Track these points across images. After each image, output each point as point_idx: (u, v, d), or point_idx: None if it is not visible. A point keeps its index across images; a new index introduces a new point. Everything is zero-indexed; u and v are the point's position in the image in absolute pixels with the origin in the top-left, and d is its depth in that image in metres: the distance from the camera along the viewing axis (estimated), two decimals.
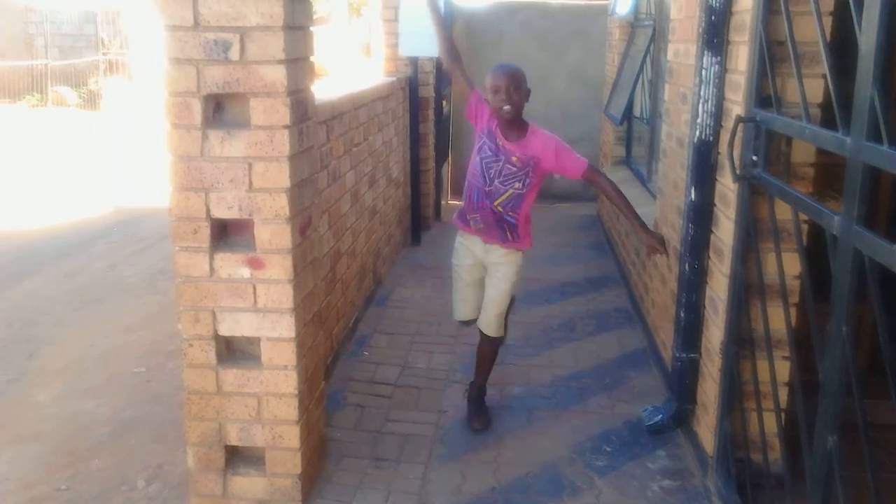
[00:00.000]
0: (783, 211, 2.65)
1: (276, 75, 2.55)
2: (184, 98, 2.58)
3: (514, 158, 3.38)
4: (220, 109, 2.64)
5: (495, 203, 3.42)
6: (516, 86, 3.33)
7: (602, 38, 8.33)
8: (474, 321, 3.70)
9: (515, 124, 3.39)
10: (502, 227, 3.46)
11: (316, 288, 3.08)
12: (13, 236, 7.22)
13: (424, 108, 6.99)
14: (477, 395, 3.75)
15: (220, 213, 2.67)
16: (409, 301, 5.35)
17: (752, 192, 2.81)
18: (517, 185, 3.40)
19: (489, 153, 3.43)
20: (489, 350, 3.72)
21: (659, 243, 3.28)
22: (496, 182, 3.41)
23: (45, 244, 6.96)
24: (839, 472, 2.04)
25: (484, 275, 3.62)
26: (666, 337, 4.00)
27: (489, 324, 3.63)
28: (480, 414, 3.69)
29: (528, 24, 9.01)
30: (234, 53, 2.53)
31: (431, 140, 7.25)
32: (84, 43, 18.28)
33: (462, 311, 3.72)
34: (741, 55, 2.89)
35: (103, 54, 18.14)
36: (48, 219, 7.96)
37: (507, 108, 3.31)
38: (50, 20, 17.92)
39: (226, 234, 2.76)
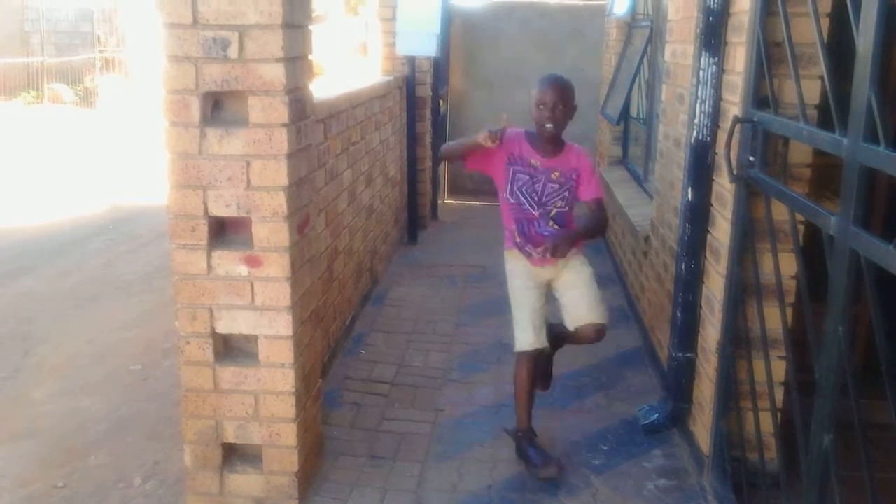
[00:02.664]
0: (780, 211, 2.66)
1: (275, 73, 2.55)
2: (182, 96, 2.58)
3: (554, 175, 3.24)
4: (218, 107, 2.64)
5: (550, 224, 3.26)
6: (564, 102, 3.15)
7: (599, 38, 8.35)
8: (541, 351, 3.33)
9: (553, 141, 3.25)
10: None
11: (313, 286, 3.08)
12: (9, 233, 7.20)
13: (421, 108, 7.00)
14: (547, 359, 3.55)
15: (218, 210, 2.67)
16: (405, 300, 5.35)
17: (749, 192, 2.81)
18: (559, 202, 3.27)
19: (525, 178, 3.25)
20: (596, 335, 3.40)
21: (551, 247, 3.07)
22: (543, 202, 3.26)
23: (41, 241, 6.95)
24: (835, 471, 2.04)
25: (547, 298, 3.38)
26: (662, 336, 4.01)
27: (591, 306, 3.33)
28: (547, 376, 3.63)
29: (525, 23, 9.02)
30: (233, 51, 2.53)
31: (428, 139, 7.26)
32: (80, 40, 18.24)
33: (534, 337, 3.26)
34: (738, 56, 2.90)
35: (99, 52, 18.10)
36: (44, 216, 7.94)
37: (549, 126, 3.16)
38: (46, 17, 17.89)
39: (223, 231, 2.76)
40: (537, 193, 3.26)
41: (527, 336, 3.27)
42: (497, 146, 3.11)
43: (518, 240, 3.32)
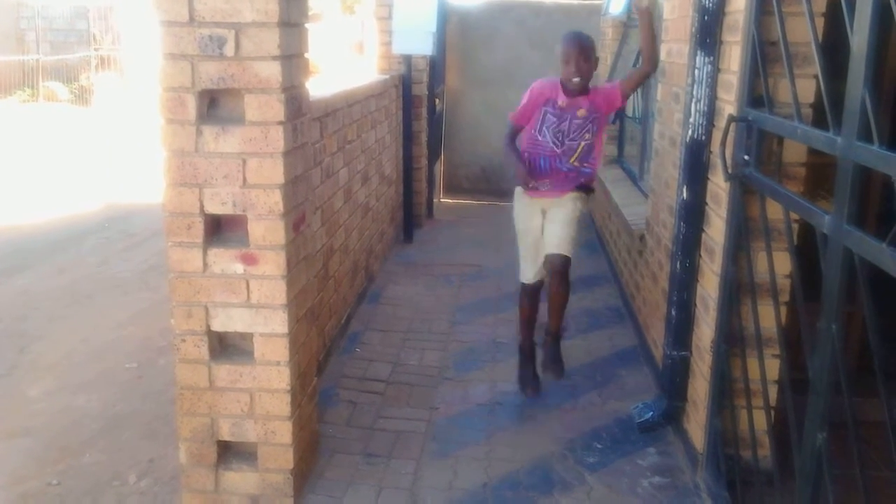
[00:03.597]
0: (774, 210, 2.67)
1: (271, 71, 2.55)
2: (178, 93, 2.58)
3: (580, 112, 3.60)
4: (214, 105, 2.64)
5: (571, 160, 3.66)
6: (586, 56, 3.53)
7: (596, 37, 8.32)
8: (541, 283, 3.82)
9: (581, 90, 3.60)
10: (577, 179, 3.70)
11: (309, 284, 3.08)
12: (4, 232, 7.19)
13: (417, 106, 7.00)
14: (553, 342, 3.84)
15: (214, 208, 2.67)
16: (401, 298, 5.36)
17: (744, 191, 2.82)
18: (587, 135, 3.64)
19: (553, 119, 3.63)
20: (560, 285, 3.69)
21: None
22: (567, 142, 3.63)
23: (36, 240, 6.93)
24: (828, 469, 2.05)
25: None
26: (657, 335, 4.02)
27: (560, 242, 3.64)
28: (556, 362, 3.81)
29: (521, 22, 9.02)
30: (229, 49, 2.54)
31: (424, 138, 7.26)
32: (76, 38, 18.16)
33: (531, 272, 3.80)
34: (734, 55, 2.91)
35: (95, 50, 18.04)
36: (39, 214, 7.92)
37: (576, 79, 3.53)
38: (41, 15, 17.80)
39: (219, 229, 2.76)
40: (563, 133, 3.64)
41: (527, 270, 3.84)
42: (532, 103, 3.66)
43: (533, 171, 3.67)
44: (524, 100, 3.72)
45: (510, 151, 3.74)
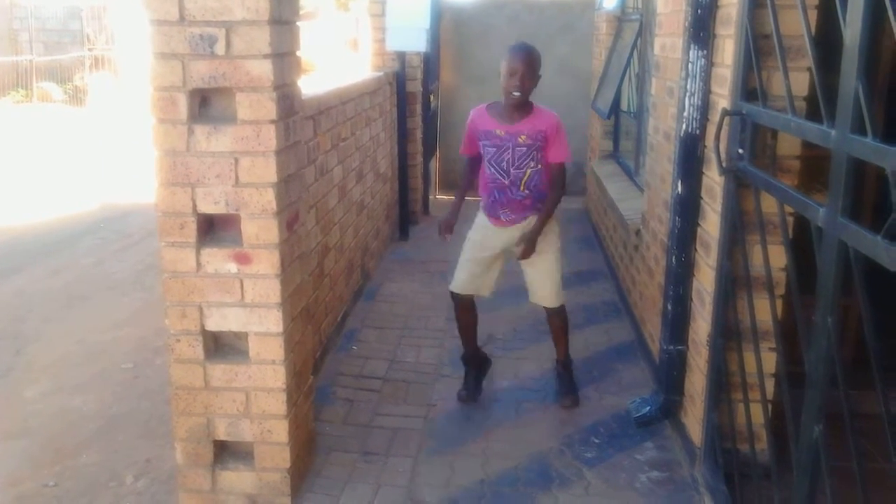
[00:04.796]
0: (769, 204, 2.67)
1: (263, 70, 2.54)
2: (169, 93, 2.56)
3: (521, 138, 3.47)
4: (205, 104, 2.63)
5: (521, 189, 3.53)
6: (532, 73, 3.40)
7: (589, 32, 8.34)
8: (469, 297, 3.75)
9: (520, 107, 3.47)
10: (535, 204, 3.59)
11: (303, 283, 3.08)
12: None
13: (412, 103, 6.99)
14: (564, 371, 3.86)
15: (207, 208, 2.66)
16: (397, 295, 5.35)
17: (739, 184, 2.82)
18: (532, 163, 3.50)
19: (493, 150, 3.52)
20: (559, 320, 3.80)
21: (527, 249, 3.53)
22: (513, 171, 3.51)
23: (31, 241, 6.92)
24: (825, 461, 2.05)
25: (503, 261, 3.73)
26: (653, 329, 4.01)
27: (550, 296, 3.71)
28: (572, 391, 3.81)
29: (515, 18, 9.01)
30: (220, 48, 2.52)
31: (419, 135, 7.25)
32: (69, 39, 18.11)
33: (464, 284, 3.71)
34: (727, 49, 2.90)
35: (89, 50, 17.99)
36: (34, 215, 7.90)
37: (517, 94, 3.39)
38: (34, 16, 17.75)
39: (212, 229, 2.75)
40: (506, 162, 3.52)
41: (458, 280, 3.74)
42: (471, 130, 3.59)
43: (490, 202, 3.60)
44: (466, 129, 3.65)
45: (456, 192, 3.77)
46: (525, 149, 3.48)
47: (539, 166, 3.52)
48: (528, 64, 3.37)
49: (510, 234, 3.64)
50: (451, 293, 3.78)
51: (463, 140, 3.69)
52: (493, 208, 3.62)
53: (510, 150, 3.49)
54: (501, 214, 3.60)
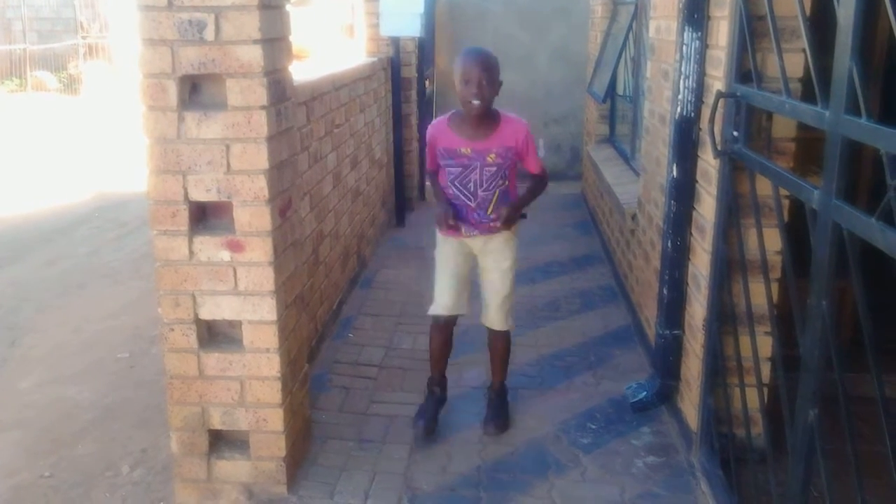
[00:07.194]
0: (764, 186, 2.65)
1: (253, 55, 2.51)
2: (158, 80, 2.54)
3: (489, 157, 3.13)
4: (196, 91, 2.61)
5: (489, 211, 3.20)
6: (490, 79, 3.03)
7: (585, 15, 8.29)
8: (455, 317, 3.42)
9: (485, 118, 3.13)
10: (503, 226, 3.22)
11: (297, 270, 3.06)
12: None
13: (407, 89, 6.96)
14: (497, 397, 3.51)
15: (199, 195, 2.64)
16: (393, 282, 5.34)
17: (733, 167, 2.80)
18: (500, 182, 3.19)
19: (457, 170, 3.18)
20: (501, 344, 3.48)
21: (504, 218, 3.14)
22: (480, 192, 3.18)
23: (26, 230, 6.90)
24: (821, 445, 2.05)
25: (473, 266, 3.39)
26: (650, 314, 4.01)
27: (496, 317, 3.38)
28: (499, 417, 3.44)
29: (510, 2, 8.97)
30: (209, 33, 2.49)
31: (414, 120, 7.21)
32: (63, 27, 18.01)
33: (451, 304, 3.34)
34: (721, 30, 2.88)
35: (83, 38, 17.89)
36: (29, 205, 7.88)
37: (476, 102, 3.03)
38: (27, 4, 17.63)
39: (205, 216, 2.73)
40: (473, 184, 3.17)
41: (442, 299, 3.34)
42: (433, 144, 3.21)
43: (452, 222, 3.18)
44: (427, 144, 3.30)
45: (436, 189, 3.35)
46: (494, 168, 3.14)
47: (506, 183, 3.21)
48: (486, 69, 3.02)
49: (476, 242, 3.32)
50: (434, 317, 3.39)
51: (427, 154, 3.33)
52: (457, 228, 3.23)
53: (477, 171, 3.14)
54: (465, 230, 3.24)
